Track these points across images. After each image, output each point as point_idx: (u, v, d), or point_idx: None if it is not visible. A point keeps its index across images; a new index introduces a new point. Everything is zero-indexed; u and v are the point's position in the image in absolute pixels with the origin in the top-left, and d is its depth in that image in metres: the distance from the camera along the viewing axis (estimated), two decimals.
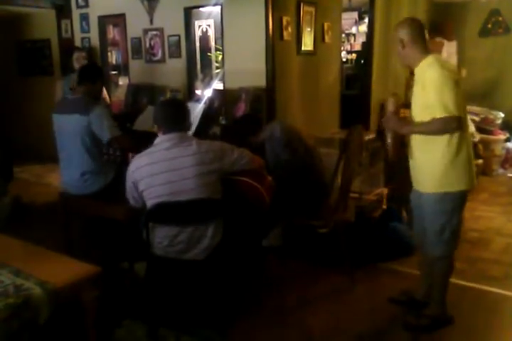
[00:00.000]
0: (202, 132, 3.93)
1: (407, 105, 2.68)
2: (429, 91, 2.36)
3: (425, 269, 2.80)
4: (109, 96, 5.00)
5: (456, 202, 2.50)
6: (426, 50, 2.50)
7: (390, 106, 2.55)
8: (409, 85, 6.13)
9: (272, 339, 2.57)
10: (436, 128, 2.39)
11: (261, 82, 4.32)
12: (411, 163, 2.63)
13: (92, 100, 3.35)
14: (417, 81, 2.52)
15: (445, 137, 2.40)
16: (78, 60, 4.70)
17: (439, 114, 2.33)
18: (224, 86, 4.73)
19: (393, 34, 2.57)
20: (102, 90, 3.52)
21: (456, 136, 2.40)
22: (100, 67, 4.52)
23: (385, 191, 4.51)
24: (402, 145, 2.66)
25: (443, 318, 2.65)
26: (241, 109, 4.40)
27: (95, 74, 3.42)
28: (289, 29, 4.42)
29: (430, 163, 2.47)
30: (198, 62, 5.45)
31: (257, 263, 2.91)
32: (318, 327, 2.67)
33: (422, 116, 2.44)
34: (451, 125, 2.34)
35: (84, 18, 5.88)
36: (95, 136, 3.20)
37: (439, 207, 2.49)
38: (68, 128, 3.23)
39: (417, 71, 2.50)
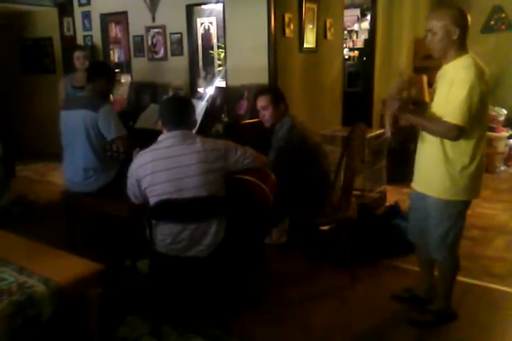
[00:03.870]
0: (204, 130, 3.93)
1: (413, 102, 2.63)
2: (456, 93, 2.24)
3: (424, 268, 2.80)
4: (112, 94, 4.99)
5: (461, 208, 2.47)
6: (465, 48, 2.37)
7: (396, 84, 2.44)
8: (411, 83, 6.13)
9: (273, 336, 2.57)
10: (436, 129, 2.32)
11: (263, 79, 4.31)
12: (418, 160, 2.57)
13: (100, 98, 3.35)
14: (443, 78, 2.39)
15: (463, 144, 2.32)
16: (79, 59, 4.70)
17: (451, 118, 2.24)
18: (226, 83, 4.72)
19: (438, 20, 2.33)
20: (108, 88, 3.51)
21: (473, 144, 2.33)
22: (108, 65, 4.49)
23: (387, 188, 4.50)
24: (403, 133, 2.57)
25: (447, 313, 2.65)
26: (243, 106, 4.40)
27: (99, 72, 3.42)
28: (291, 26, 4.42)
29: (444, 169, 2.38)
30: (200, 59, 5.44)
31: (259, 259, 2.91)
32: (320, 324, 2.67)
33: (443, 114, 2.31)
34: (453, 133, 2.26)
35: (86, 16, 5.87)
36: (100, 133, 3.21)
37: (445, 212, 2.45)
38: (74, 123, 3.23)
39: (448, 68, 2.37)
